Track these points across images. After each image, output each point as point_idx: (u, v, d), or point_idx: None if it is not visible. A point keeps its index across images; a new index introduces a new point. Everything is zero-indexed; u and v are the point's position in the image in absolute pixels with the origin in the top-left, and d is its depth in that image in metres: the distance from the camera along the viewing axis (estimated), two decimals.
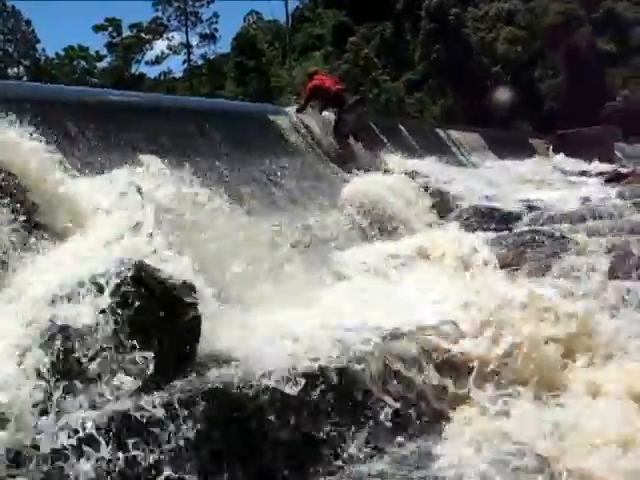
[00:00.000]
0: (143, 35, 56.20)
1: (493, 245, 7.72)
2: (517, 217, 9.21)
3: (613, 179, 14.28)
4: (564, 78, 36.13)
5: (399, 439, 3.89)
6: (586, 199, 10.49)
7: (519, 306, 4.84)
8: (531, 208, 9.71)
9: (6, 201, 4.60)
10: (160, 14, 55.69)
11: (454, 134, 17.73)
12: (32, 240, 4.39)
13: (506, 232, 8.37)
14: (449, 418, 4.19)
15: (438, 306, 5.43)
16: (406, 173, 10.15)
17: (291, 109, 11.54)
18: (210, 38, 57.17)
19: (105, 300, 3.56)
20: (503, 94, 33.58)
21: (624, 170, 16.16)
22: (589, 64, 34.96)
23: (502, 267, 7.20)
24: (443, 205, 9.65)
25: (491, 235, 8.18)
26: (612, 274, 6.63)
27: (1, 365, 3.21)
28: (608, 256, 6.86)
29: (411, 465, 3.68)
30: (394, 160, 10.81)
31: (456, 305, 5.32)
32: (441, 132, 17.15)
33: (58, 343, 3.38)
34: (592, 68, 34.95)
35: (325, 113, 11.84)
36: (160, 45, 70.41)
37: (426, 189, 9.88)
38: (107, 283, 3.60)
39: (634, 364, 4.60)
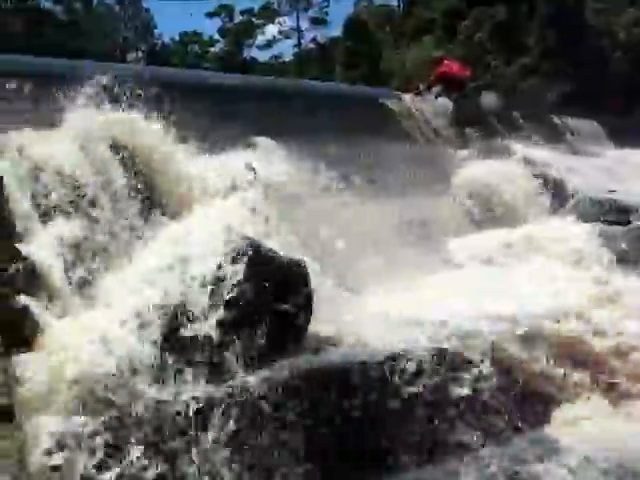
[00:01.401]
0: (254, 20, 56.95)
1: (610, 239, 7.42)
2: (638, 210, 8.78)
3: None
4: None
5: (514, 429, 3.81)
6: None
7: None
8: None
9: (128, 180, 4.77)
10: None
11: (570, 122, 17.11)
12: (152, 217, 4.53)
13: (626, 226, 8.01)
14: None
15: (553, 298, 5.27)
16: (520, 161, 9.86)
17: (406, 94, 11.43)
18: (321, 22, 57.29)
19: (219, 277, 3.62)
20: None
21: None
22: None
23: (619, 262, 6.90)
24: (558, 195, 9.32)
25: (609, 228, 7.85)
26: None
27: (122, 335, 3.31)
28: None
29: (527, 457, 3.60)
30: (508, 147, 10.52)
31: (572, 298, 5.16)
32: (557, 119, 16.57)
33: (175, 316, 3.46)
34: None
35: (440, 99, 11.67)
36: (271, 29, 71.08)
37: (541, 178, 9.55)
38: (222, 261, 3.66)
39: None
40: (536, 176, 9.54)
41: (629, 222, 8.23)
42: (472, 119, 11.44)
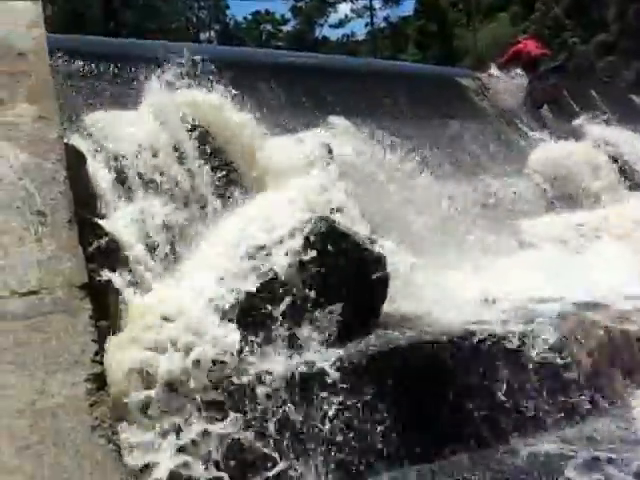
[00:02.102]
0: None
1: None
2: None
3: None
4: None
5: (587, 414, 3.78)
6: None
7: None
8: None
9: (207, 159, 4.87)
10: None
11: None
12: (231, 195, 4.62)
13: None
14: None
15: (627, 285, 5.17)
16: (596, 142, 9.64)
17: (484, 73, 11.28)
18: (393, 1, 56.78)
19: (297, 255, 3.68)
20: None
21: None
22: None
23: None
24: (635, 178, 9.10)
25: None
26: None
27: (203, 312, 3.41)
28: None
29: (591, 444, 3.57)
30: (584, 128, 10.29)
31: None
32: (637, 99, 16.09)
33: (253, 294, 3.54)
34: None
35: (517, 78, 11.47)
36: (344, 8, 70.75)
37: (617, 160, 9.33)
38: (299, 239, 3.72)
39: None
40: (612, 158, 9.32)
41: None
42: (547, 99, 11.22)
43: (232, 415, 3.00)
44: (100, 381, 1.71)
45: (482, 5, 47.06)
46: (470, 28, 46.31)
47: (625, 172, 9.15)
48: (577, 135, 9.74)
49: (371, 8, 55.46)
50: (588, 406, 3.81)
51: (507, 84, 11.14)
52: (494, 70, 11.35)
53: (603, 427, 3.71)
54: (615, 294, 4.79)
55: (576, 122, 10.63)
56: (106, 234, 3.78)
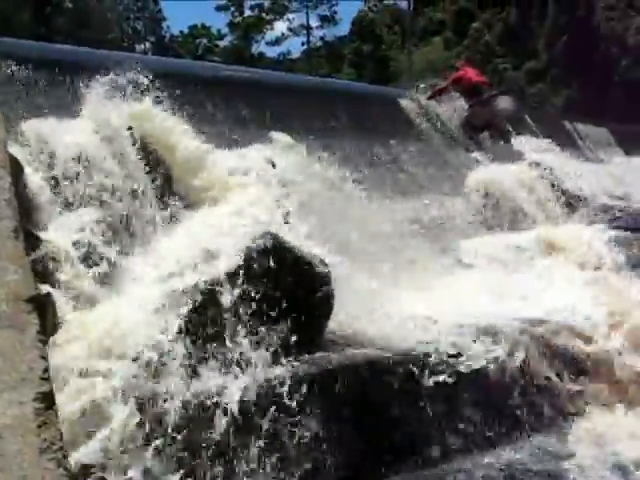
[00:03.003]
0: (264, 15, 56.92)
1: (622, 244, 7.42)
2: None
3: None
4: None
5: (529, 432, 3.81)
6: None
7: None
8: None
9: (147, 170, 4.77)
10: None
11: (581, 127, 17.14)
12: (172, 208, 4.53)
13: (635, 232, 8.01)
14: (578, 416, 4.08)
15: (564, 302, 5.27)
16: (532, 165, 9.88)
17: (422, 95, 11.43)
18: (330, 20, 57.29)
19: (239, 271, 3.61)
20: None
21: None
22: None
23: (631, 268, 6.91)
24: (569, 200, 9.35)
25: (620, 234, 7.85)
26: None
27: (146, 328, 3.31)
28: None
29: (539, 460, 3.60)
30: (520, 151, 10.54)
31: (585, 303, 5.16)
32: (567, 125, 16.60)
33: (197, 309, 3.46)
34: None
35: (456, 102, 11.67)
36: (280, 26, 71.13)
37: (552, 182, 9.58)
38: (243, 254, 3.65)
39: None
40: (547, 180, 9.56)
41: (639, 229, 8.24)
42: (486, 124, 11.46)
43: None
44: (49, 400, 1.61)
45: (416, 29, 47.96)
46: (405, 51, 47.15)
47: (559, 193, 9.38)
48: (514, 157, 9.96)
49: (308, 27, 55.95)
50: (531, 422, 3.84)
51: (447, 106, 11.34)
52: (436, 92, 11.53)
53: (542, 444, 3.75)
54: (551, 311, 4.86)
55: (512, 145, 10.88)
56: (43, 245, 3.66)
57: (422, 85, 12.12)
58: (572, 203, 9.30)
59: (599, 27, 37.32)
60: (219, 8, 55.35)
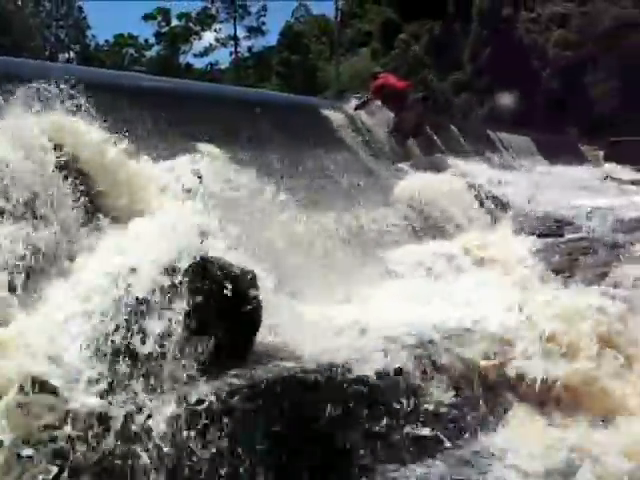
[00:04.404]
0: (191, 25, 56.60)
1: (545, 251, 7.63)
2: (570, 223, 9.06)
3: None
4: (616, 84, 35.55)
5: (451, 442, 3.83)
6: None
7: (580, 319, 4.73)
8: (584, 215, 9.56)
9: (69, 184, 4.64)
10: (209, 5, 56.04)
11: (504, 136, 17.57)
12: (94, 222, 4.41)
13: (559, 238, 8.24)
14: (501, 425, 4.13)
15: (492, 310, 5.34)
16: (458, 174, 10.07)
17: (348, 105, 11.51)
18: (258, 31, 57.37)
19: (167, 285, 3.54)
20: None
21: None
22: None
23: (555, 273, 7.09)
24: (495, 208, 9.54)
25: (543, 240, 8.06)
26: None
27: (65, 345, 3.22)
28: None
29: (458, 472, 3.62)
30: (447, 160, 10.73)
31: (511, 311, 5.24)
32: (491, 134, 17.00)
33: (121, 326, 3.37)
34: None
35: (382, 111, 11.79)
36: (208, 37, 70.85)
37: (477, 190, 9.77)
38: (170, 268, 3.59)
39: None
40: (472, 189, 9.74)
41: (562, 235, 8.48)
42: (412, 131, 11.62)
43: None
44: None
45: (344, 40, 48.40)
46: (332, 61, 47.51)
47: (484, 201, 9.57)
48: (440, 167, 10.11)
49: (235, 38, 55.90)
50: (454, 434, 3.86)
51: (372, 115, 11.45)
52: (362, 102, 11.63)
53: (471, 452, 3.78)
54: (476, 319, 4.91)
55: (439, 154, 11.07)
56: None
57: (350, 96, 12.25)
58: (497, 211, 9.50)
59: (521, 40, 38.34)
60: (146, 17, 54.83)
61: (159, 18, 55.12)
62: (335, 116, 10.37)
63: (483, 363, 4.25)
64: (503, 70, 35.68)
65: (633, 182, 16.21)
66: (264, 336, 3.99)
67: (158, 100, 7.36)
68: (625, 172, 18.57)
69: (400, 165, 10.20)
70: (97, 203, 4.67)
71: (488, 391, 4.23)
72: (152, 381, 3.24)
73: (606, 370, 4.42)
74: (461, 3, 38.94)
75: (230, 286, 3.65)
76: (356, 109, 11.40)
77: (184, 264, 3.56)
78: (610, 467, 3.59)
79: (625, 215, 9.55)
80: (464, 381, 4.16)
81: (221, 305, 3.60)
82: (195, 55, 58.32)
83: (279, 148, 8.05)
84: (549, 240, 8.08)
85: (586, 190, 12.99)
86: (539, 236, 8.43)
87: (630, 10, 36.35)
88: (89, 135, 5.04)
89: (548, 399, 4.25)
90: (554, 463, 3.66)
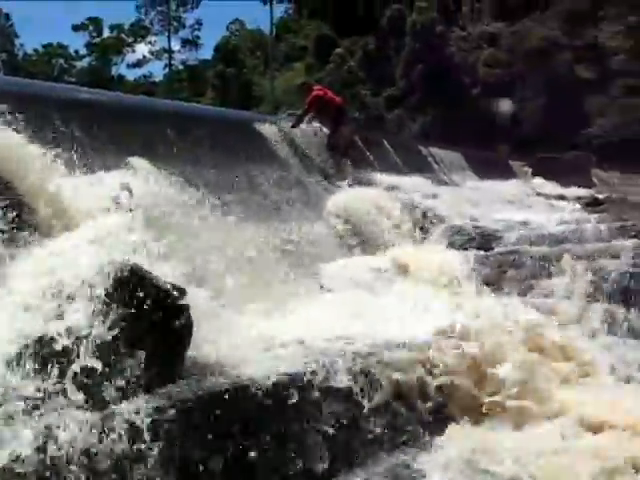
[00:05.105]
0: (124, 37, 55.96)
1: (475, 264, 7.76)
2: (499, 237, 9.26)
3: (591, 204, 14.49)
4: (543, 103, 36.56)
5: (387, 452, 3.88)
6: (566, 222, 10.59)
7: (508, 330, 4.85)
8: (513, 229, 9.78)
9: None
10: (143, 16, 55.51)
11: (436, 152, 17.86)
12: (20, 238, 4.32)
13: (488, 251, 8.40)
14: (438, 434, 4.19)
15: (422, 322, 5.42)
16: (390, 188, 10.20)
17: (284, 120, 11.53)
18: (192, 44, 57.11)
19: (96, 301, 3.50)
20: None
21: (600, 196, 16.40)
22: (568, 90, 35.39)
23: (484, 285, 7.24)
24: (426, 222, 9.69)
25: (473, 254, 8.21)
26: (592, 297, 6.70)
27: None
28: (588, 279, 6.91)
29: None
30: (378, 175, 10.86)
31: (440, 323, 5.33)
32: (423, 149, 17.26)
33: (48, 344, 3.32)
34: (571, 94, 35.40)
35: (314, 124, 11.85)
36: (142, 49, 70.14)
37: (409, 205, 9.91)
38: (99, 284, 3.54)
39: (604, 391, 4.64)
40: (404, 203, 9.88)
41: (491, 248, 8.65)
42: (345, 146, 11.71)
43: None
44: None
45: (278, 55, 48.56)
46: (267, 76, 47.59)
47: (416, 216, 9.71)
48: (372, 182, 10.22)
49: (170, 51, 55.46)
50: (389, 441, 3.91)
51: (304, 130, 11.51)
52: (298, 118, 11.66)
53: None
54: (410, 334, 4.97)
55: (370, 169, 11.19)
56: None
57: (287, 115, 12.27)
58: (428, 225, 9.65)
59: (453, 57, 39.11)
60: (76, 28, 53.93)
61: (90, 28, 54.33)
62: (269, 130, 10.39)
63: (413, 376, 4.30)
64: (435, 86, 36.33)
65: (560, 197, 16.68)
66: (196, 351, 3.97)
67: (89, 113, 7.26)
68: (552, 187, 19.15)
69: (333, 180, 10.29)
70: (23, 217, 4.58)
71: (419, 402, 4.28)
72: (78, 397, 3.20)
73: (534, 377, 4.54)
74: (394, 18, 39.51)
75: (160, 301, 3.63)
76: (293, 127, 11.41)
77: (112, 279, 3.52)
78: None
79: (551, 229, 9.80)
80: (396, 393, 4.21)
81: (150, 321, 3.57)
82: (128, 66, 57.47)
83: (212, 163, 8.03)
84: (479, 253, 8.22)
85: (515, 204, 13.32)
86: (469, 249, 8.59)
87: (556, 31, 37.52)
88: (17, 149, 4.95)
89: (479, 408, 4.34)
90: (484, 468, 3.74)
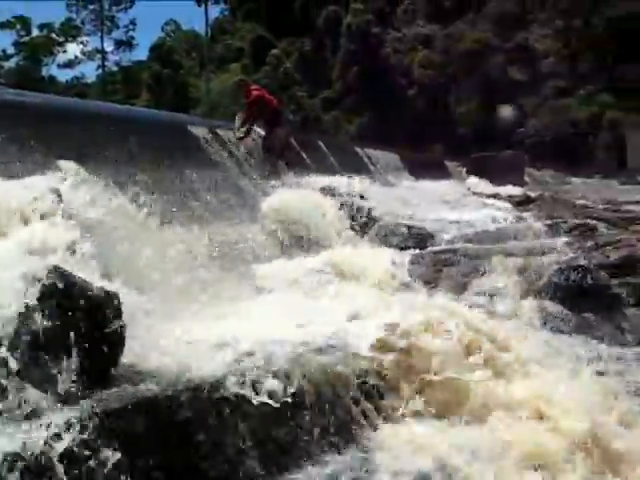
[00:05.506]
0: (54, 36, 54.77)
1: (410, 263, 7.83)
2: (433, 236, 9.38)
3: (523, 202, 14.81)
4: (477, 104, 37.26)
5: (325, 452, 3.89)
6: (499, 221, 10.79)
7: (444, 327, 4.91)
8: (447, 228, 9.92)
9: None
10: (74, 15, 54.42)
11: (372, 153, 17.98)
12: None
13: (423, 250, 8.50)
14: (372, 433, 4.21)
15: (357, 323, 5.45)
16: (325, 189, 10.23)
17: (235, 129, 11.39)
18: (126, 45, 56.29)
19: (25, 308, 3.42)
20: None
21: (533, 194, 16.75)
22: (501, 91, 36.16)
23: (420, 284, 7.31)
24: (362, 222, 9.75)
25: (408, 253, 8.29)
26: (525, 294, 6.83)
27: None
28: (521, 276, 7.04)
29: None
30: (314, 176, 10.88)
31: (376, 323, 5.37)
32: (359, 150, 17.36)
33: None
34: (504, 95, 36.18)
35: (251, 137, 11.78)
36: (73, 49, 68.80)
37: (345, 206, 9.96)
38: (29, 290, 3.47)
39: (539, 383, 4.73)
40: (339, 204, 9.92)
41: (426, 247, 8.76)
42: (281, 148, 11.69)
43: None
44: None
45: (214, 56, 48.23)
46: (203, 77, 47.22)
47: (352, 216, 9.76)
48: (308, 183, 10.23)
49: (103, 51, 54.53)
50: (318, 445, 3.91)
51: (242, 133, 11.45)
52: (242, 122, 11.56)
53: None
54: (347, 336, 4.98)
55: (306, 170, 11.20)
56: None
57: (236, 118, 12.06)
58: (364, 225, 9.71)
59: (388, 59, 39.50)
60: (2, 26, 52.50)
61: (17, 27, 52.94)
62: (203, 133, 10.31)
63: (346, 377, 4.33)
64: (371, 88, 36.65)
65: (494, 196, 16.99)
66: (131, 356, 3.92)
67: (17, 114, 7.09)
68: (486, 186, 19.48)
69: (268, 182, 10.27)
70: None
71: (359, 400, 4.31)
72: (9, 405, 3.13)
73: (470, 373, 4.60)
74: (330, 20, 39.73)
75: (92, 307, 3.57)
76: (240, 139, 11.26)
77: (41, 285, 3.45)
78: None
79: (485, 228, 9.97)
80: (335, 392, 4.23)
81: (83, 328, 3.51)
82: (59, 67, 56.28)
83: (146, 165, 7.92)
84: (414, 253, 8.31)
85: (449, 204, 13.52)
86: (404, 249, 8.67)
87: (488, 34, 38.27)
88: None
89: (410, 405, 4.38)
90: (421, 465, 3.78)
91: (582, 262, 6.96)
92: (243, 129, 11.43)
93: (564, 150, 32.00)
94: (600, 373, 5.06)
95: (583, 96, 37.30)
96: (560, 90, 38.02)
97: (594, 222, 9.85)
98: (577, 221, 9.96)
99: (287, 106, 33.33)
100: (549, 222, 9.84)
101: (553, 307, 6.54)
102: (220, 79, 44.28)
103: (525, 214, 11.72)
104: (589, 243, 7.87)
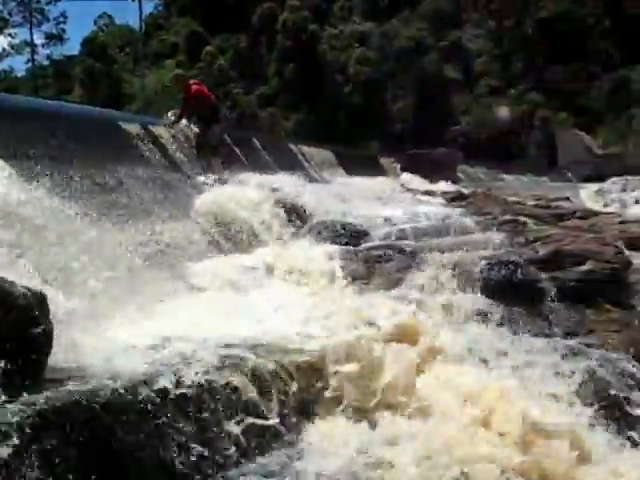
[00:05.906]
0: None
1: (344, 259, 7.87)
2: (367, 232, 9.43)
3: (456, 199, 15.05)
4: (412, 101, 37.72)
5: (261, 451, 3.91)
6: (432, 217, 10.92)
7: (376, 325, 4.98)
8: (380, 224, 9.99)
9: None
10: (0, 7, 52.91)
11: (306, 150, 18.03)
12: None
13: (356, 247, 8.55)
14: (309, 430, 4.26)
15: (290, 319, 5.49)
16: (259, 187, 10.21)
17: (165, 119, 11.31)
18: (57, 38, 54.99)
19: None
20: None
21: (466, 191, 17.03)
22: (436, 89, 36.70)
23: (353, 281, 7.36)
24: (295, 219, 9.76)
25: (342, 249, 8.33)
26: (458, 289, 6.94)
27: None
28: (453, 271, 7.15)
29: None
30: (248, 174, 10.85)
31: (308, 319, 5.42)
32: (294, 147, 17.39)
33: None
34: (438, 93, 36.74)
35: (183, 122, 11.72)
36: (0, 41, 66.88)
37: (279, 203, 9.95)
38: None
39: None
40: (273, 201, 9.92)
41: (359, 244, 8.82)
42: (215, 145, 11.65)
43: None
44: None
45: (149, 51, 47.59)
46: (137, 73, 46.54)
47: (285, 213, 9.76)
48: (241, 180, 10.21)
49: (32, 44, 53.11)
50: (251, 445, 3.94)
51: (175, 129, 11.37)
52: (178, 115, 11.49)
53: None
54: (281, 334, 5.01)
55: (240, 168, 11.17)
56: None
57: (169, 114, 12.02)
58: (298, 222, 9.72)
59: (324, 55, 39.63)
60: None
61: None
62: (135, 129, 10.19)
63: (275, 375, 4.36)
64: (307, 85, 36.73)
65: (427, 192, 17.23)
66: (59, 357, 3.86)
67: None
68: (420, 183, 19.73)
69: (201, 178, 10.22)
70: None
71: (282, 401, 4.33)
72: None
73: (403, 364, 4.68)
74: (266, 16, 39.69)
75: (17, 309, 3.51)
76: (172, 125, 11.24)
77: None
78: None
79: (418, 224, 10.08)
80: (270, 390, 4.25)
81: (7, 331, 3.44)
82: None
83: (76, 162, 7.79)
84: (347, 249, 8.34)
85: (382, 200, 13.62)
86: (337, 245, 8.71)
87: (423, 32, 38.77)
88: None
89: (333, 402, 4.44)
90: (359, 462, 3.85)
91: (513, 258, 7.12)
92: (173, 118, 11.48)
93: (497, 147, 32.71)
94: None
95: (514, 95, 38.18)
96: (492, 89, 38.84)
97: (524, 218, 10.07)
98: (508, 217, 10.16)
99: (223, 103, 33.14)
100: (481, 218, 10.02)
101: (483, 301, 6.66)
102: (155, 75, 43.78)
103: (458, 210, 11.90)
104: (520, 239, 8.06)
